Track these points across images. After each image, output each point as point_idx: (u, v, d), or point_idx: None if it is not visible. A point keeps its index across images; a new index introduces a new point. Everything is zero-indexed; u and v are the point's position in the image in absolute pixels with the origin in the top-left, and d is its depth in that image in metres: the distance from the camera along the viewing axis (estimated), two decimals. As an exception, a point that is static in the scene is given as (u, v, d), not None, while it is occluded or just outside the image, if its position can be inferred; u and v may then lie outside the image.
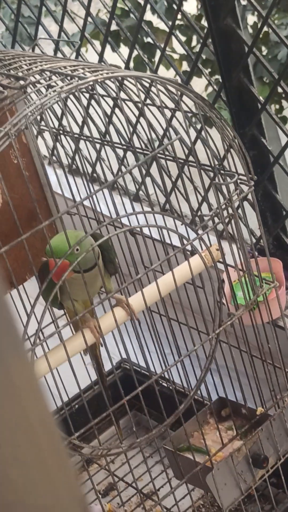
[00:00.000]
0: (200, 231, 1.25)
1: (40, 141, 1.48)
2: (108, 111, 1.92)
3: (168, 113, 1.69)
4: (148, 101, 1.43)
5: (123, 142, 1.83)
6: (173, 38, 1.90)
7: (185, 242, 1.25)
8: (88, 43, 2.52)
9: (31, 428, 0.34)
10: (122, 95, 1.37)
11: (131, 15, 3.31)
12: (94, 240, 1.21)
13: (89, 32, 3.30)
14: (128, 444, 1.36)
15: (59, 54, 2.21)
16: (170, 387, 1.58)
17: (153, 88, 1.20)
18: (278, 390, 1.39)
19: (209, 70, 3.62)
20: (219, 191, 1.30)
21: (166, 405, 1.36)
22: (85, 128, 1.85)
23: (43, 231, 1.12)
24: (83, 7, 2.06)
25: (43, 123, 1.70)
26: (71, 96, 1.55)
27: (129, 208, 1.26)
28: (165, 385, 1.68)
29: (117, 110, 1.91)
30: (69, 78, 1.09)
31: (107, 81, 1.31)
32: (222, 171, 1.28)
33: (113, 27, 2.22)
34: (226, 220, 1.27)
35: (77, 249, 1.19)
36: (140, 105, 1.28)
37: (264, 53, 3.68)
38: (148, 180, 1.77)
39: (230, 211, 1.27)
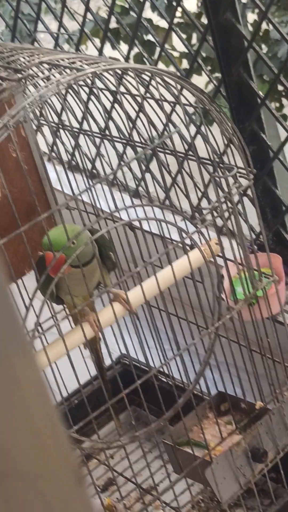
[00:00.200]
0: (199, 225, 1.25)
1: (39, 137, 1.48)
2: (108, 106, 1.92)
3: (168, 108, 1.68)
4: (147, 95, 1.43)
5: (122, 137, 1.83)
6: (173, 35, 1.90)
7: (184, 236, 1.25)
8: (88, 40, 2.51)
9: (22, 397, 0.33)
10: (122, 89, 1.36)
11: (131, 13, 3.31)
12: (91, 235, 1.21)
13: (89, 29, 3.30)
14: (127, 438, 1.36)
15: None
16: (170, 382, 1.58)
17: (153, 82, 1.20)
18: (278, 385, 1.39)
19: (209, 68, 3.62)
20: (218, 186, 1.30)
21: (166, 401, 1.36)
22: (85, 123, 1.84)
23: (42, 225, 1.12)
24: (83, 2, 2.06)
25: (42, 118, 1.70)
26: (70, 91, 1.55)
27: (129, 203, 1.26)
28: (165, 380, 1.68)
29: (116, 106, 1.90)
30: (67, 70, 1.09)
31: (107, 75, 1.31)
32: (221, 165, 1.28)
33: (114, 25, 2.22)
34: (226, 215, 1.27)
35: (73, 243, 1.18)
36: (139, 99, 1.28)
37: (265, 51, 3.68)
38: (148, 176, 1.77)
39: (230, 205, 1.27)
